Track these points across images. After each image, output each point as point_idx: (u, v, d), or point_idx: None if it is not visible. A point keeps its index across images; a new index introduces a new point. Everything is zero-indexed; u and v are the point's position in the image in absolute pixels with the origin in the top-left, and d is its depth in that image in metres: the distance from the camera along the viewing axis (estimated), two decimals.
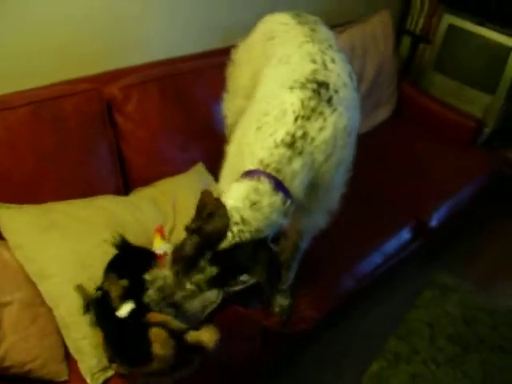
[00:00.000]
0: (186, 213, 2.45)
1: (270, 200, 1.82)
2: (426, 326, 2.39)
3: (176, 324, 1.93)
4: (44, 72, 2.65)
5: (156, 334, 1.91)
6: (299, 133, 1.90)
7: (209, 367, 2.16)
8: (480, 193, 3.78)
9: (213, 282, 1.78)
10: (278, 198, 1.83)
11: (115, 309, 2.01)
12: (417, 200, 3.35)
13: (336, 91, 2.04)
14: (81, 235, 2.32)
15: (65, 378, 2.08)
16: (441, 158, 3.78)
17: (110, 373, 2.09)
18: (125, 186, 2.77)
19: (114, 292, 2.03)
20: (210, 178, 2.78)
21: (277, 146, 1.88)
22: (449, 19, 4.25)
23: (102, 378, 2.07)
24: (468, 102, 4.24)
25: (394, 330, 2.41)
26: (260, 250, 1.78)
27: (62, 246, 2.25)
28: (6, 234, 2.28)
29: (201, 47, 3.22)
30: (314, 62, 2.11)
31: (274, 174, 1.86)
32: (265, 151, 1.89)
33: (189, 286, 1.77)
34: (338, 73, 2.11)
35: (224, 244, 1.73)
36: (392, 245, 3.05)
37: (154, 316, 1.94)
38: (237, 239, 1.74)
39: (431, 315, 2.45)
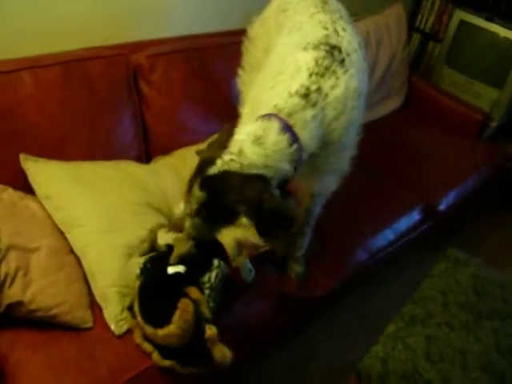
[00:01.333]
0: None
1: (275, 138, 1.83)
2: (440, 294, 2.44)
3: (204, 309, 1.98)
4: (74, 36, 2.73)
5: (184, 303, 1.93)
6: (314, 87, 1.93)
7: (225, 325, 2.23)
8: (484, 184, 3.86)
9: (204, 209, 1.86)
10: (283, 138, 1.84)
11: (168, 264, 2.06)
12: (426, 185, 3.41)
13: (348, 54, 2.07)
14: (107, 191, 2.38)
15: (90, 324, 2.11)
16: (448, 149, 3.86)
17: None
18: (146, 152, 2.83)
19: (178, 249, 2.05)
20: None
21: (291, 96, 1.91)
22: (460, 15, 4.33)
23: (125, 326, 2.10)
24: (476, 96, 4.31)
25: (408, 297, 2.45)
26: (251, 183, 1.78)
27: (90, 198, 2.31)
28: (34, 185, 2.34)
29: (223, 27, 3.31)
30: (325, 28, 2.14)
31: (285, 117, 1.88)
32: (280, 99, 1.92)
33: (187, 210, 1.89)
34: (348, 40, 2.14)
35: (212, 170, 1.78)
36: (403, 223, 3.13)
37: (193, 291, 2.00)
38: (225, 167, 1.78)
39: (444, 284, 2.49)
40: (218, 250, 2.21)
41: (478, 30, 4.25)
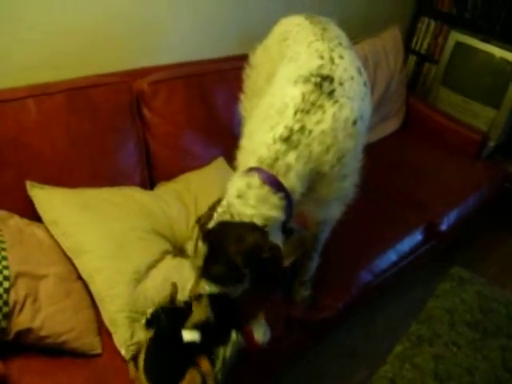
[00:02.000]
0: (207, 206, 2.56)
1: (256, 192, 1.90)
2: (446, 313, 2.46)
3: (211, 382, 1.97)
4: (78, 65, 2.76)
5: (192, 375, 1.94)
6: (297, 126, 1.97)
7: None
8: (484, 203, 3.88)
9: (207, 264, 1.91)
10: (263, 191, 1.90)
11: (182, 327, 2.01)
12: (427, 205, 3.43)
13: (341, 83, 2.09)
14: (114, 217, 2.40)
15: (98, 350, 2.12)
16: (447, 169, 3.88)
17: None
18: (150, 178, 2.84)
19: (196, 315, 2.01)
20: (231, 171, 2.82)
21: (274, 142, 1.96)
22: (456, 36, 4.38)
23: (136, 351, 2.10)
24: (473, 116, 4.35)
25: (413, 316, 2.47)
26: (246, 230, 1.86)
27: (97, 224, 2.33)
28: (41, 212, 2.35)
29: (221, 52, 3.34)
30: (321, 58, 2.17)
31: (266, 169, 1.94)
32: (263, 148, 1.98)
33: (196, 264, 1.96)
34: (344, 67, 2.16)
35: (210, 224, 1.91)
36: (406, 244, 3.14)
37: (204, 362, 1.98)
38: (219, 218, 1.89)
39: (450, 304, 2.52)
40: (235, 319, 2.15)
41: (473, 51, 4.31)
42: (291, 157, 1.94)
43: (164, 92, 2.82)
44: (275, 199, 1.91)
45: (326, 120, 2.00)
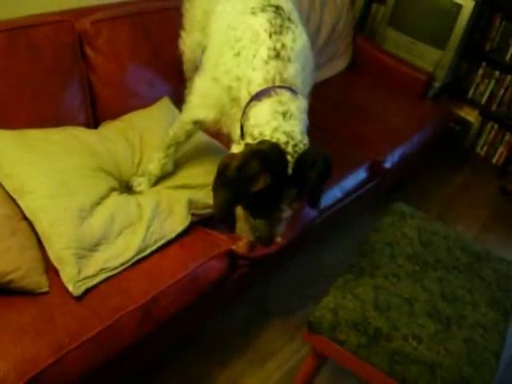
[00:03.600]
0: (152, 144, 2.60)
1: (296, 104, 2.00)
2: (387, 246, 2.52)
3: None
4: (18, 4, 2.70)
5: None
6: (278, 45, 2.08)
7: (183, 283, 2.29)
8: (429, 141, 3.98)
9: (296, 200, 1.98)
10: (300, 100, 2.02)
11: None
12: (372, 143, 3.50)
13: (290, 13, 2.25)
14: (58, 156, 2.39)
15: (45, 289, 2.12)
16: (393, 108, 3.96)
17: (91, 283, 2.15)
18: (94, 118, 2.83)
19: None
20: (176, 110, 2.84)
21: (267, 62, 2.06)
22: None
23: (83, 287, 2.12)
24: (420, 57, 4.39)
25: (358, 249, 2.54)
26: (317, 155, 1.96)
27: (40, 164, 2.32)
28: None
29: None
30: None
31: (283, 83, 2.02)
32: (260, 71, 2.06)
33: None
34: (285, 1, 2.31)
35: (289, 170, 1.88)
36: (350, 181, 3.22)
37: None
38: (295, 155, 1.89)
39: (391, 237, 2.57)
40: None
41: None
42: (292, 68, 2.08)
43: (107, 31, 2.78)
44: (304, 104, 2.06)
45: (299, 38, 2.17)
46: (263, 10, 2.19)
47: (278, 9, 2.21)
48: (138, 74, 2.90)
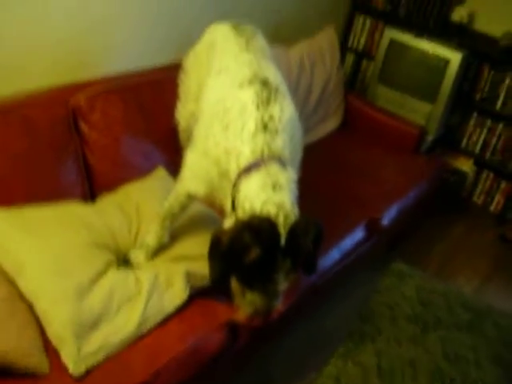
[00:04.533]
0: (149, 216, 2.60)
1: (284, 175, 2.02)
2: (387, 309, 2.53)
3: None
4: (13, 80, 2.75)
5: None
6: (266, 117, 2.12)
7: (183, 356, 2.27)
8: (425, 196, 3.99)
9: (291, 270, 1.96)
10: (288, 172, 2.05)
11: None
12: (368, 202, 3.51)
13: (277, 85, 2.29)
14: (54, 233, 2.40)
15: (46, 370, 2.10)
16: (387, 164, 3.98)
17: (91, 361, 2.13)
18: (90, 191, 2.85)
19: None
20: (171, 180, 2.86)
21: (255, 135, 2.08)
22: (390, 34, 4.48)
23: (83, 366, 2.10)
24: (411, 111, 4.46)
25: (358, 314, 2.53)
26: (308, 223, 1.98)
27: (37, 243, 2.32)
28: None
29: (159, 60, 3.35)
30: (251, 66, 2.37)
31: (271, 155, 2.05)
32: (248, 143, 2.08)
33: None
34: (273, 74, 2.39)
35: (282, 241, 1.89)
36: (348, 242, 3.20)
37: None
38: (287, 226, 1.90)
39: (390, 299, 2.59)
40: None
41: (407, 48, 4.42)
42: (279, 140, 2.10)
43: (101, 106, 2.82)
44: (293, 175, 2.09)
45: (286, 109, 2.21)
46: (251, 83, 2.25)
47: (265, 82, 2.26)
48: (132, 146, 2.93)
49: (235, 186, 2.07)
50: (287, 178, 2.03)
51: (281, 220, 1.90)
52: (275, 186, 1.97)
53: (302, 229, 1.93)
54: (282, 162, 2.06)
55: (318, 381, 2.23)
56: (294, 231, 1.90)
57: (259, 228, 1.87)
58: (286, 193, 1.99)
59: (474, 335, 2.51)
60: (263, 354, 3.07)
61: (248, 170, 2.04)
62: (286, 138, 2.13)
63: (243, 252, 1.87)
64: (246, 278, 1.99)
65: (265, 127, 2.10)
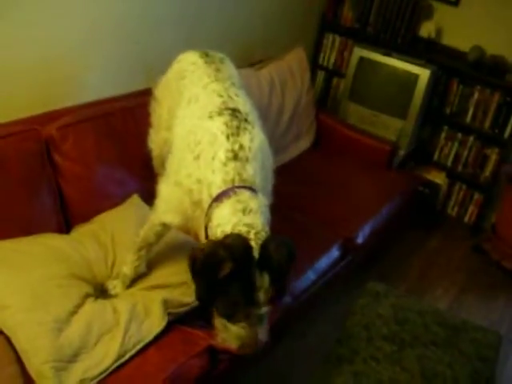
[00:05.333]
0: (124, 245, 2.62)
1: (255, 201, 2.05)
2: (363, 329, 2.54)
3: None
4: None
5: None
6: (236, 146, 2.15)
7: None
8: (398, 210, 4.03)
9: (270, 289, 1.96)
10: (259, 198, 2.08)
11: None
12: (342, 220, 3.54)
13: (247, 114, 2.33)
14: (30, 267, 2.41)
15: None
16: (361, 181, 4.03)
17: None
18: (66, 222, 2.85)
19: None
20: (146, 207, 2.86)
21: (225, 164, 2.12)
22: (358, 52, 4.55)
23: None
24: (382, 128, 4.52)
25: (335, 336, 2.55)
26: (280, 240, 1.99)
27: (13, 278, 2.34)
28: None
29: (130, 87, 3.36)
30: (220, 96, 2.39)
31: (242, 183, 2.08)
32: (219, 173, 2.12)
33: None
34: (242, 102, 2.41)
35: (255, 253, 1.92)
36: (324, 262, 3.24)
37: None
38: (259, 242, 1.93)
39: (366, 319, 2.60)
40: None
41: (376, 65, 4.48)
42: (250, 168, 2.13)
43: (73, 135, 2.83)
44: (264, 201, 2.13)
45: (256, 137, 2.24)
46: (220, 113, 2.27)
47: (234, 111, 2.29)
48: (106, 175, 2.95)
49: (207, 215, 2.10)
50: (258, 203, 2.06)
51: (252, 236, 1.94)
52: (245, 210, 2.01)
53: (274, 244, 1.95)
54: (253, 190, 2.09)
55: None
56: (266, 245, 1.93)
57: (231, 242, 1.91)
58: (256, 216, 2.02)
59: (452, 352, 2.54)
60: (245, 377, 3.07)
61: (219, 198, 2.07)
62: (257, 166, 2.16)
63: (218, 266, 1.89)
64: (226, 309, 2.00)
65: (235, 156, 2.13)
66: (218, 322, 2.06)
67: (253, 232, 1.95)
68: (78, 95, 3.19)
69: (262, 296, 1.95)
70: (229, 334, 2.05)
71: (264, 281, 1.94)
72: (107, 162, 2.96)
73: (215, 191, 2.09)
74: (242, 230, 1.95)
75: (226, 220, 2.01)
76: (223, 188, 2.08)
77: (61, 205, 2.83)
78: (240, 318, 1.99)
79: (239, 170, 2.11)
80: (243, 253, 1.91)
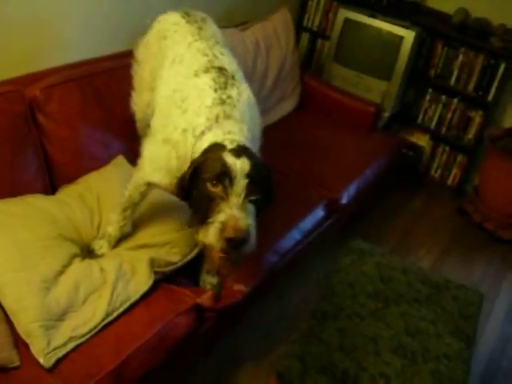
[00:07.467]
0: (110, 205, 2.63)
1: (240, 126, 2.10)
2: (348, 287, 2.58)
3: None
4: None
5: None
6: (224, 96, 2.17)
7: (151, 343, 2.31)
8: (382, 172, 4.06)
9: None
10: (245, 125, 2.13)
11: None
12: (327, 181, 3.58)
13: (233, 72, 2.34)
14: (17, 228, 2.42)
15: (17, 363, 2.12)
16: (345, 143, 4.05)
17: (61, 352, 2.16)
18: (51, 183, 2.85)
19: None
20: (131, 168, 2.84)
21: (211, 107, 2.13)
22: (344, 13, 4.52)
23: (54, 358, 2.13)
24: (367, 90, 4.52)
25: (321, 292, 2.59)
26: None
27: (1, 239, 2.34)
28: None
29: (114, 48, 3.34)
30: (205, 55, 2.38)
31: (227, 118, 2.11)
32: (203, 115, 2.13)
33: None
34: (228, 61, 2.41)
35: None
36: (309, 222, 3.27)
37: None
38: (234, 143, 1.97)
39: (351, 277, 2.63)
40: None
41: (361, 27, 4.47)
42: (237, 111, 2.15)
43: (57, 96, 2.81)
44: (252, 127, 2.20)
45: (244, 92, 2.26)
46: (206, 71, 2.28)
47: (221, 69, 2.29)
48: (91, 136, 2.94)
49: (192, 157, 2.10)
50: (242, 127, 2.08)
51: (227, 143, 1.97)
52: (227, 134, 2.04)
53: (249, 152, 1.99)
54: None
55: (283, 362, 2.27)
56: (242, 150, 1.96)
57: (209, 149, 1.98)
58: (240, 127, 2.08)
59: (434, 309, 2.58)
60: (231, 334, 3.12)
61: (202, 133, 2.08)
62: (245, 113, 2.18)
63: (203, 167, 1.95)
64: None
65: (222, 102, 2.14)
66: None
67: (228, 140, 1.99)
68: (61, 56, 3.16)
69: (241, 181, 1.90)
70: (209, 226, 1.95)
71: (244, 166, 1.90)
72: (91, 123, 2.95)
73: (199, 130, 2.10)
74: (218, 139, 2.00)
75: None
76: (207, 125, 2.09)
77: (46, 167, 2.83)
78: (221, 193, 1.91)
79: (226, 109, 2.13)
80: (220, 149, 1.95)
